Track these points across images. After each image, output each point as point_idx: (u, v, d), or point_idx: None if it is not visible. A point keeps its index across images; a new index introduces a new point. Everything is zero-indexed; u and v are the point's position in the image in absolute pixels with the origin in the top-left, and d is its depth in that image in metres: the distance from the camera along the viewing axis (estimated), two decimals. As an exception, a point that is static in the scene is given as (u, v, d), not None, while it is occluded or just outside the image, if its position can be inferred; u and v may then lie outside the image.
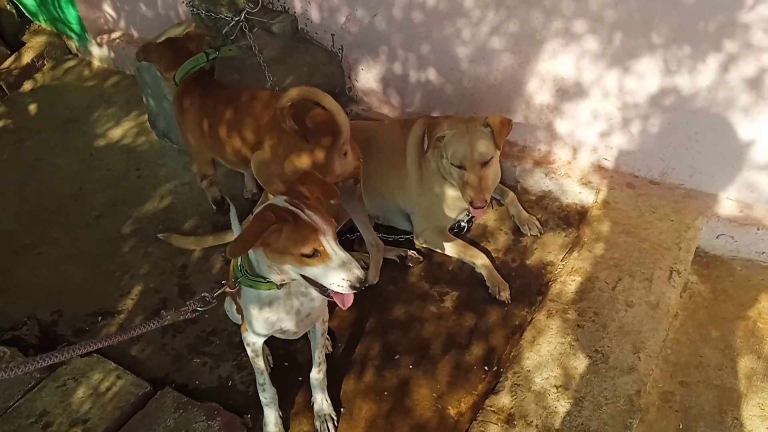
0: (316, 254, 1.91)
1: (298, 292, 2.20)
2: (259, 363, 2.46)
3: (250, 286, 2.11)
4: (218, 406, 2.62)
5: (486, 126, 2.87)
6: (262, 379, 2.50)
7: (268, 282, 2.08)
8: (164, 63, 3.22)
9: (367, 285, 2.00)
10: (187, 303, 2.14)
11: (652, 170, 3.24)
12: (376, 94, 3.94)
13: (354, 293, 2.00)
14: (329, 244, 1.92)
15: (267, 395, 2.53)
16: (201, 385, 2.83)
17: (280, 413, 2.60)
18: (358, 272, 1.92)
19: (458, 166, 2.89)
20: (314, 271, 1.94)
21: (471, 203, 2.87)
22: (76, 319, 3.20)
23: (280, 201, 1.95)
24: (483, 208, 2.89)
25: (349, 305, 2.05)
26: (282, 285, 2.10)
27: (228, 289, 2.17)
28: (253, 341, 2.39)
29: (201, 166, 3.42)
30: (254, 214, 2.00)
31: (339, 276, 1.92)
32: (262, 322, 2.23)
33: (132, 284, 3.34)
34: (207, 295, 2.15)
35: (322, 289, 2.01)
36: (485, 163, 2.88)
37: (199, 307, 2.13)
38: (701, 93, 2.85)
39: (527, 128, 3.47)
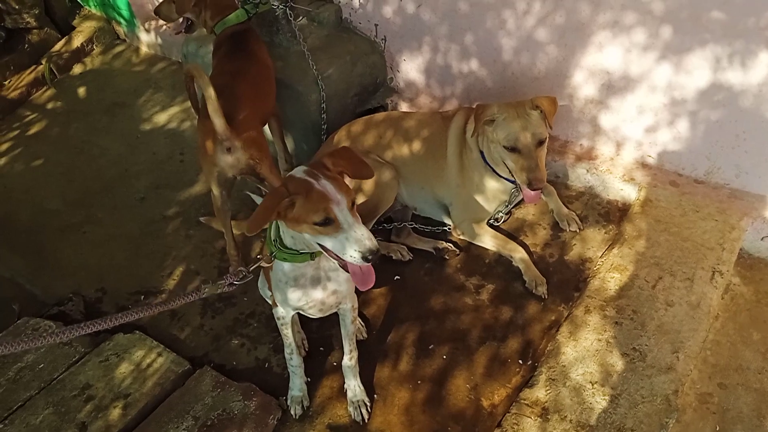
0: (329, 223, 1.93)
1: (325, 267, 2.24)
2: (288, 334, 2.53)
3: (285, 260, 2.15)
4: (255, 386, 2.67)
5: (536, 108, 2.84)
6: (290, 349, 2.58)
7: (302, 254, 2.12)
8: (210, 12, 3.35)
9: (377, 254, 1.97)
10: (225, 276, 2.20)
11: (698, 169, 3.17)
12: (418, 85, 3.94)
13: (369, 274, 2.04)
14: (341, 213, 1.92)
15: (294, 363, 2.61)
16: (238, 366, 2.88)
17: (306, 379, 2.68)
18: (369, 243, 1.92)
19: (511, 149, 2.86)
20: (329, 241, 1.96)
21: (529, 185, 2.82)
22: (120, 297, 3.29)
23: (299, 171, 1.99)
24: (539, 190, 2.87)
25: (368, 287, 2.06)
26: (315, 256, 2.14)
27: (263, 263, 2.23)
28: (282, 315, 2.46)
29: None
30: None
31: (351, 247, 1.92)
32: (289, 297, 2.28)
33: (174, 265, 3.41)
34: (243, 269, 2.21)
35: (342, 262, 2.03)
36: (539, 146, 2.85)
37: (236, 281, 2.20)
38: (752, 90, 2.78)
39: (570, 122, 3.43)
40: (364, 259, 1.93)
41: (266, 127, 3.42)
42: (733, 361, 2.71)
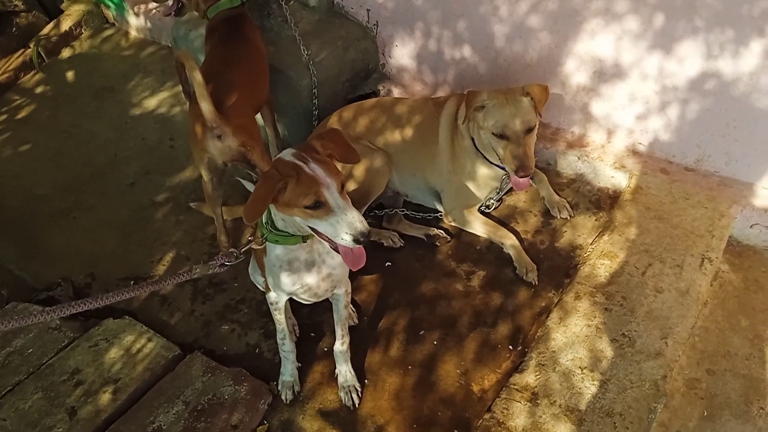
0: (319, 206, 1.93)
1: (319, 250, 2.23)
2: (281, 319, 2.54)
3: (276, 242, 2.15)
4: (245, 371, 2.67)
5: (526, 95, 2.84)
6: (282, 334, 2.59)
7: (294, 236, 2.12)
8: None
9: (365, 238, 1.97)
10: (216, 257, 2.21)
11: (688, 157, 3.19)
12: (410, 71, 3.92)
13: (361, 255, 2.05)
14: (331, 196, 1.93)
15: (286, 348, 2.62)
16: (229, 352, 2.88)
17: (298, 364, 2.69)
18: (360, 226, 1.93)
19: (500, 135, 2.86)
20: (320, 224, 1.97)
21: (516, 172, 2.82)
22: (109, 283, 3.27)
23: (288, 154, 1.99)
24: (527, 177, 2.87)
25: (358, 267, 2.08)
26: (307, 238, 2.13)
27: (254, 246, 2.23)
28: (276, 300, 2.46)
29: None
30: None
31: (343, 229, 1.93)
32: (283, 281, 2.28)
33: (164, 251, 3.40)
34: (234, 250, 2.23)
35: (333, 244, 2.04)
36: (528, 133, 2.85)
37: (227, 262, 2.22)
38: (743, 79, 2.79)
39: (562, 110, 3.43)
40: (356, 241, 1.94)
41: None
42: (721, 347, 2.74)
